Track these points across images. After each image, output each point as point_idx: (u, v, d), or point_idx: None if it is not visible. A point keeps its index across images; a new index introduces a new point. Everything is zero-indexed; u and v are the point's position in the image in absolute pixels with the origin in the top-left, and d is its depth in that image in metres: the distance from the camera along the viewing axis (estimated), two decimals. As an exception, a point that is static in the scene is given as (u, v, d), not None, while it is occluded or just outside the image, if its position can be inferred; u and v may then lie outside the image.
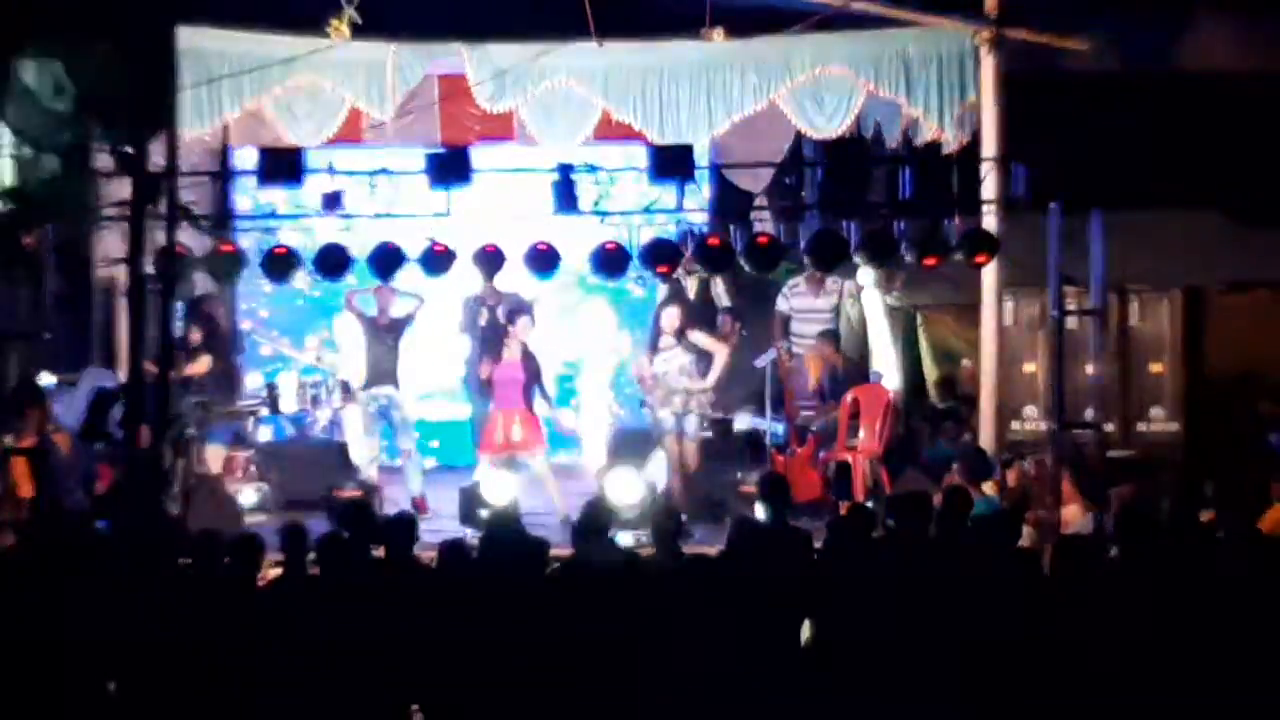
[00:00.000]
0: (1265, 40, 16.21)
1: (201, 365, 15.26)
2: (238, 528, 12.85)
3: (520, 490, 14.23)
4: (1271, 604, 9.25)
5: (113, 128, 12.33)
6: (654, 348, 15.28)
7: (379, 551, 10.06)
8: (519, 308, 15.36)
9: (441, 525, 14.54)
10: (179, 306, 15.42)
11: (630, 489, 14.02)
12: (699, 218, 15.09)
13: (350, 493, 14.66)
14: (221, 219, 13.87)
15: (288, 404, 15.99)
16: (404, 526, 10.19)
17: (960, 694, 9.00)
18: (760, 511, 10.69)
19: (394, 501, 15.10)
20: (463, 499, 14.67)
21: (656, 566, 10.06)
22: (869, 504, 13.27)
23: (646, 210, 14.05)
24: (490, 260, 13.72)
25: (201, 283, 15.10)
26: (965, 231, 13.82)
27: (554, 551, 10.23)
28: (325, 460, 15.71)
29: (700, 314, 16.67)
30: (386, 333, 15.48)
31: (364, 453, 15.61)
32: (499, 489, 13.95)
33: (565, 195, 13.60)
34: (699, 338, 15.40)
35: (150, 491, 12.09)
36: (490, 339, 15.77)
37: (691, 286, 16.83)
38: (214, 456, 15.07)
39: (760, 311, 17.09)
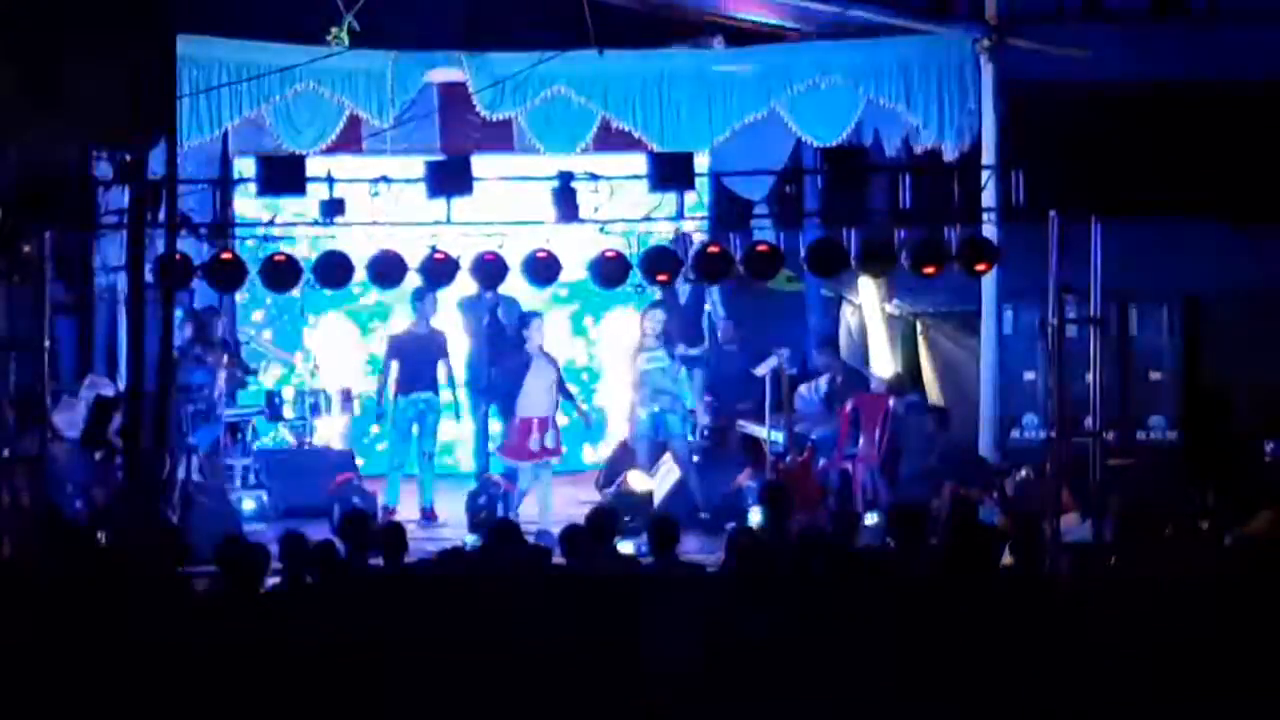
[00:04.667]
0: (1264, 48, 16.22)
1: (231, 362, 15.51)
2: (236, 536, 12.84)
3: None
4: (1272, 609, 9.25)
5: (112, 136, 12.36)
6: (640, 347, 15.39)
7: (377, 560, 10.07)
8: (529, 312, 15.39)
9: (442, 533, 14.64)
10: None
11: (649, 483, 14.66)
12: (689, 225, 15.04)
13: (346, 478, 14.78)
14: (221, 227, 13.85)
15: (287, 412, 16.00)
16: (394, 535, 10.20)
17: (961, 702, 9.00)
18: (756, 516, 10.69)
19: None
20: (470, 506, 14.72)
21: (657, 574, 10.06)
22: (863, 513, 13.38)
23: (646, 219, 14.03)
24: (490, 269, 13.71)
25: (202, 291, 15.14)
26: (965, 240, 13.81)
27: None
28: (326, 468, 15.70)
29: (692, 321, 16.68)
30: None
31: None
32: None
33: (566, 203, 13.59)
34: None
35: (150, 500, 12.11)
36: (495, 340, 15.79)
37: (684, 293, 16.76)
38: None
39: (761, 318, 17.08)
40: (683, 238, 14.48)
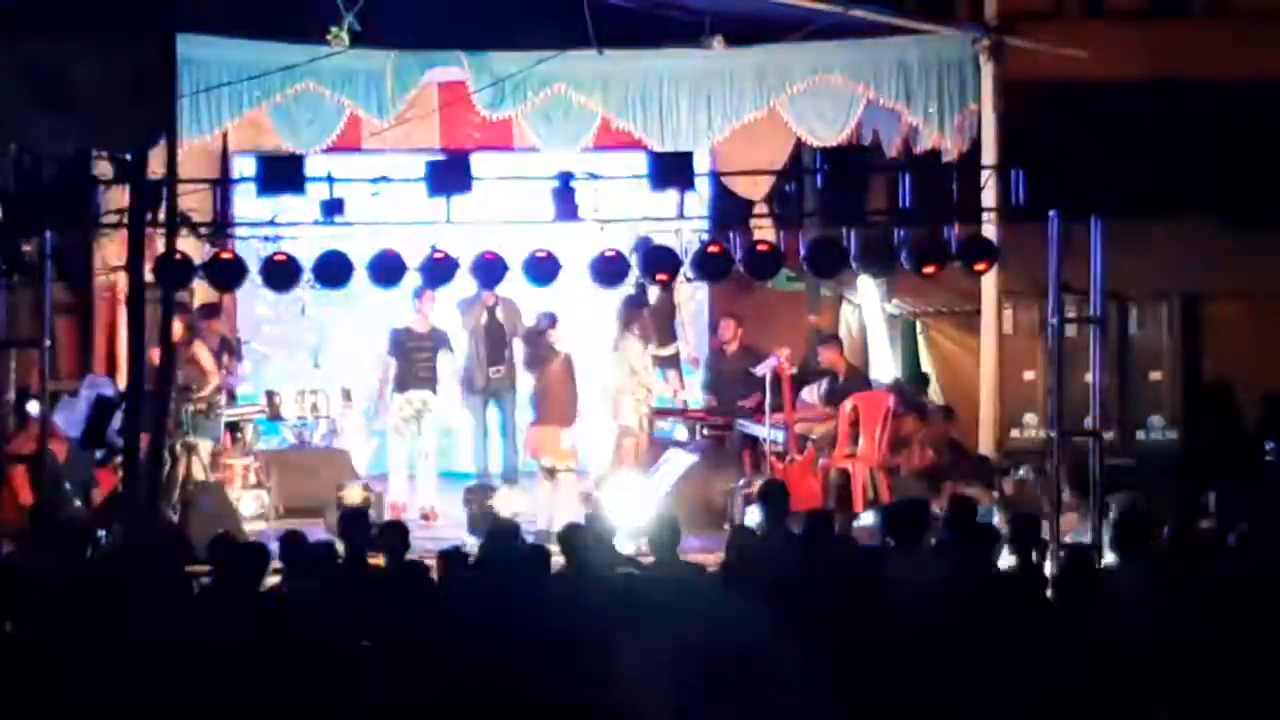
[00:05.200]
0: (1265, 48, 16.22)
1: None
2: (237, 535, 12.84)
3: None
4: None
5: (113, 136, 12.37)
6: (633, 340, 15.45)
7: (376, 559, 10.07)
8: (549, 313, 15.36)
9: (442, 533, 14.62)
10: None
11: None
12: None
13: (353, 492, 14.69)
14: (221, 227, 13.86)
15: (288, 411, 16.01)
16: (396, 534, 10.19)
17: (959, 702, 9.00)
18: (754, 515, 10.68)
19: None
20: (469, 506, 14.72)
21: (656, 573, 10.06)
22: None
23: (645, 219, 14.05)
24: (490, 268, 13.72)
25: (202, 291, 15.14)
26: (965, 239, 13.81)
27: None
28: (326, 468, 15.69)
29: (664, 322, 16.66)
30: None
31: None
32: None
33: (565, 202, 13.60)
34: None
35: (149, 499, 12.12)
36: (492, 340, 15.77)
37: (653, 294, 16.64)
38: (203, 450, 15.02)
39: (761, 319, 17.08)
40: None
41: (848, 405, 15.27)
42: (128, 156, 12.41)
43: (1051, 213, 13.06)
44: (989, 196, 14.25)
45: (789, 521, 10.97)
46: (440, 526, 15.12)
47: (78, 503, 13.56)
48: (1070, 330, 13.67)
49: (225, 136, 15.98)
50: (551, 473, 14.81)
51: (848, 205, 13.86)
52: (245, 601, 9.42)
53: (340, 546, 10.37)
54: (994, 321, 15.26)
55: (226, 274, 13.41)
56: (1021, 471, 14.29)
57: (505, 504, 14.53)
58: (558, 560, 10.28)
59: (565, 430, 14.89)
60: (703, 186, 15.65)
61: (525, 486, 15.55)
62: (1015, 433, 15.49)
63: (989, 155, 14.99)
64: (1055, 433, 13.08)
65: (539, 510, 14.64)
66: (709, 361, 17.29)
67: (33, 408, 13.37)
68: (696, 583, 9.91)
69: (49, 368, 13.19)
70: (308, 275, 13.41)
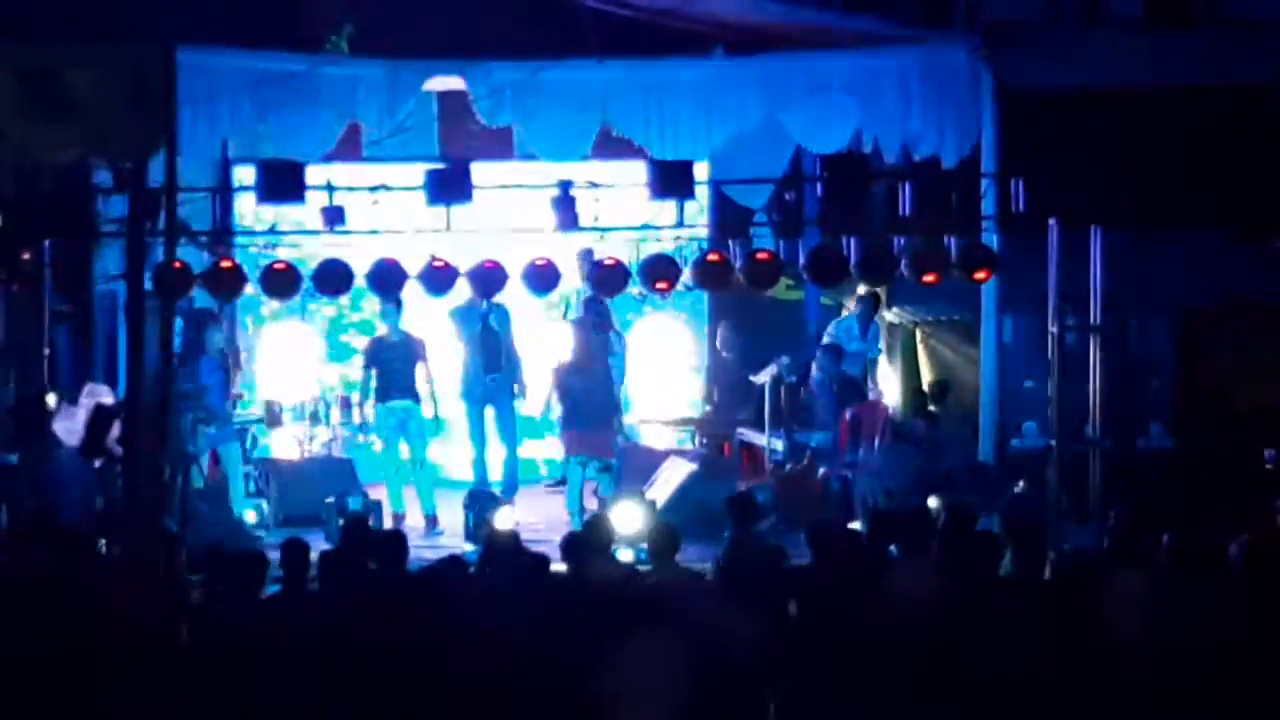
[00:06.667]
0: (1264, 56, 16.23)
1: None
2: (238, 543, 12.84)
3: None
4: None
5: (113, 145, 12.40)
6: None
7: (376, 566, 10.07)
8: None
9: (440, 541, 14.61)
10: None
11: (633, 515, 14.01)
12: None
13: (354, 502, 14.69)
14: (220, 235, 13.87)
15: (288, 419, 16.00)
16: (395, 543, 10.20)
17: (960, 710, 9.00)
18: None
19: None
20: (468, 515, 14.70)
21: (656, 581, 10.06)
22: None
23: (646, 227, 14.07)
24: (489, 277, 13.73)
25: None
26: (965, 247, 13.82)
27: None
28: (325, 476, 15.67)
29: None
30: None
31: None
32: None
33: (565, 211, 13.62)
34: None
35: (150, 508, 12.12)
36: (488, 347, 15.76)
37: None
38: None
39: (760, 326, 17.09)
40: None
41: (847, 415, 15.28)
42: (127, 165, 12.43)
43: (1051, 221, 13.07)
44: (988, 205, 14.27)
45: (760, 528, 10.99)
46: (441, 534, 15.13)
47: (78, 512, 13.54)
48: (1071, 338, 13.67)
49: (225, 145, 15.98)
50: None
51: (847, 213, 13.88)
52: (245, 609, 9.43)
53: (340, 555, 10.36)
54: (994, 330, 15.25)
55: (226, 283, 13.41)
56: (1022, 480, 14.29)
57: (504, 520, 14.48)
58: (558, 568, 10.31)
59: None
60: (702, 195, 15.65)
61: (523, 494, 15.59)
62: (1016, 441, 15.47)
63: (988, 163, 14.99)
64: (1055, 441, 13.08)
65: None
66: (708, 370, 17.30)
67: (31, 413, 13.36)
68: (696, 590, 9.91)
69: (48, 376, 13.19)
70: (307, 284, 13.42)
